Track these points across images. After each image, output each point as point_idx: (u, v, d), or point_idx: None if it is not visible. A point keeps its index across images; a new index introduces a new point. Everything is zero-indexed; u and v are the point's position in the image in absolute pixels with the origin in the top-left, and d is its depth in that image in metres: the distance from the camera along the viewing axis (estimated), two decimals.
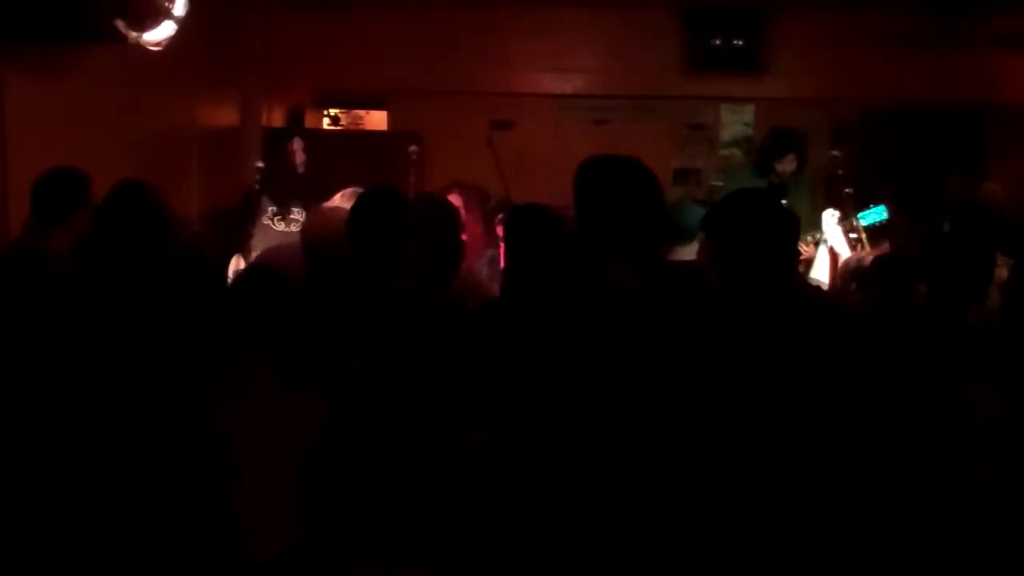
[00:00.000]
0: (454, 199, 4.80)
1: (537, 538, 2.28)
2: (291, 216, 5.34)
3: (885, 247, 3.89)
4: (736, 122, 8.11)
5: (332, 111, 7.96)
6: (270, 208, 5.36)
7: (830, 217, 4.70)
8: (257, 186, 5.39)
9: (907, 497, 2.27)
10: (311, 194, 5.06)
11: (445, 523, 2.54)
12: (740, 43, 7.63)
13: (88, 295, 2.77)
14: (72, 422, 2.55)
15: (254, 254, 4.92)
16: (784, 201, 4.81)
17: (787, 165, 5.26)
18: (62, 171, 3.46)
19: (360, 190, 4.01)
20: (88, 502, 2.48)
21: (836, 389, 2.32)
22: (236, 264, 4.95)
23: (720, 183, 6.78)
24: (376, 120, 8.06)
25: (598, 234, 2.32)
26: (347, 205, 3.96)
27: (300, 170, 5.47)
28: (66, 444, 2.53)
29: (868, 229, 4.72)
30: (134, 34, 4.24)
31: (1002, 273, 3.14)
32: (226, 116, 7.21)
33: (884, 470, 2.30)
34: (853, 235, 4.80)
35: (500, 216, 4.91)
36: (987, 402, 2.26)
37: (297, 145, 5.51)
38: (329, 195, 3.84)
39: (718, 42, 7.64)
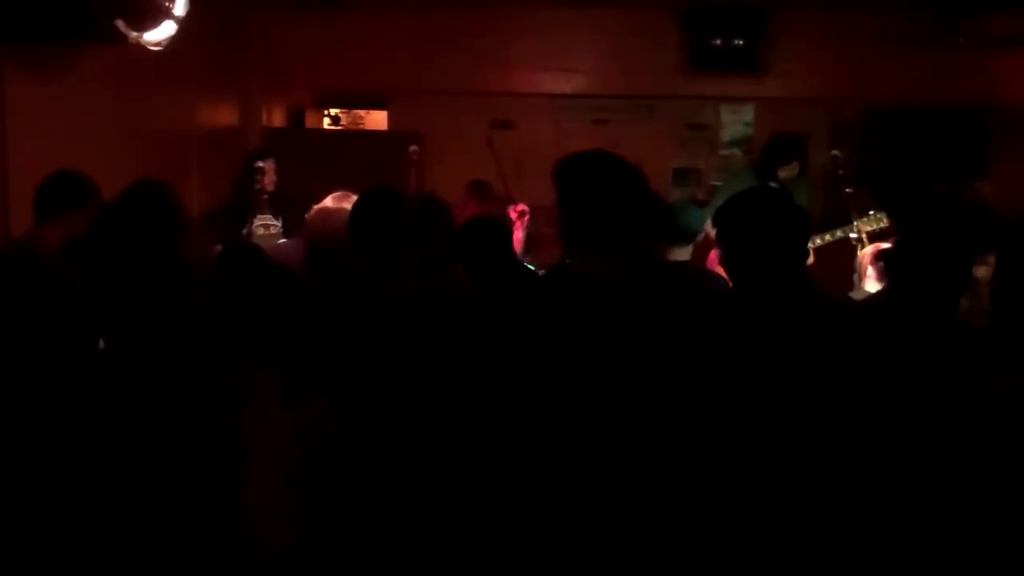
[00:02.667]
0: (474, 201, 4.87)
1: (529, 535, 2.29)
2: (267, 224, 5.30)
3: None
4: (736, 122, 8.12)
5: (332, 111, 7.97)
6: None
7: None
8: (257, 185, 5.37)
9: (916, 495, 2.26)
10: (284, 206, 5.20)
11: (442, 524, 2.54)
12: (740, 43, 7.63)
13: (96, 293, 2.76)
14: (77, 420, 2.54)
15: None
16: None
17: (790, 171, 5.26)
18: (64, 173, 3.56)
19: (348, 193, 4.01)
20: (90, 502, 2.48)
21: (845, 387, 2.32)
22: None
23: (720, 183, 6.79)
24: (376, 120, 8.07)
25: (577, 225, 2.37)
26: (341, 205, 3.96)
27: (269, 189, 5.40)
28: (70, 443, 2.53)
29: (870, 235, 4.73)
30: (134, 34, 4.23)
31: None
32: (226, 116, 7.21)
33: (892, 470, 2.29)
34: (854, 235, 4.80)
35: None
36: (994, 400, 2.24)
37: (269, 166, 5.44)
38: (307, 202, 3.86)
39: (718, 42, 7.64)
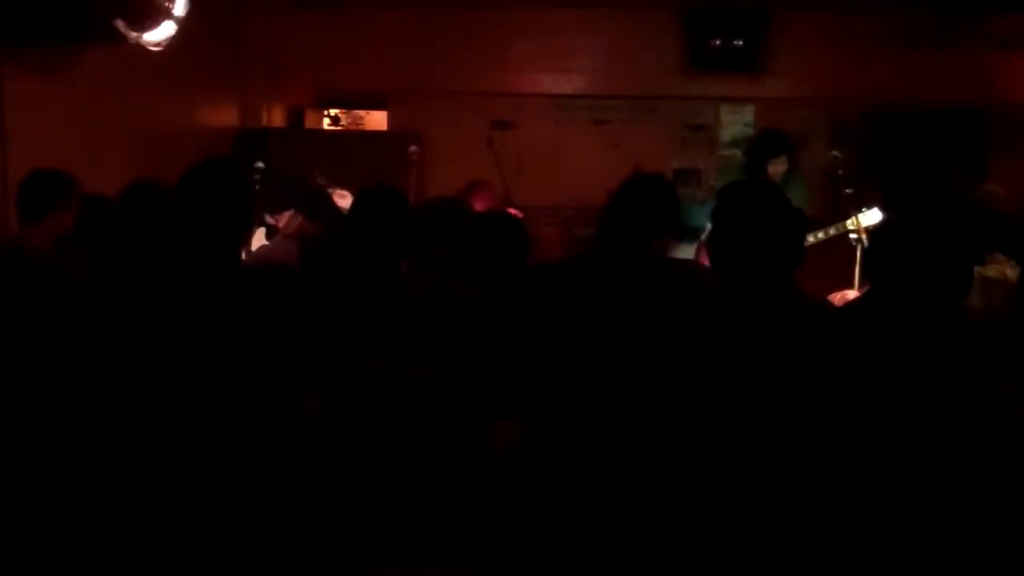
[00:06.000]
0: (483, 197, 4.87)
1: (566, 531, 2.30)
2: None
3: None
4: (736, 122, 8.11)
5: (332, 111, 7.96)
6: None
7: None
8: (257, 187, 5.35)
9: (923, 507, 2.23)
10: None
11: (471, 522, 2.55)
12: (740, 43, 7.64)
13: (99, 296, 2.76)
14: (82, 418, 2.54)
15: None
16: None
17: (778, 166, 5.26)
18: (44, 171, 3.54)
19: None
20: (94, 501, 2.48)
21: (825, 391, 2.30)
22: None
23: (715, 184, 6.79)
24: (376, 120, 8.06)
25: None
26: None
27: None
28: (75, 442, 2.53)
29: (868, 231, 4.72)
30: (134, 34, 4.23)
31: (1006, 272, 3.12)
32: (226, 116, 7.20)
33: (893, 479, 2.27)
34: (854, 235, 4.79)
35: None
36: (1008, 409, 2.21)
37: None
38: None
39: (718, 42, 7.65)
